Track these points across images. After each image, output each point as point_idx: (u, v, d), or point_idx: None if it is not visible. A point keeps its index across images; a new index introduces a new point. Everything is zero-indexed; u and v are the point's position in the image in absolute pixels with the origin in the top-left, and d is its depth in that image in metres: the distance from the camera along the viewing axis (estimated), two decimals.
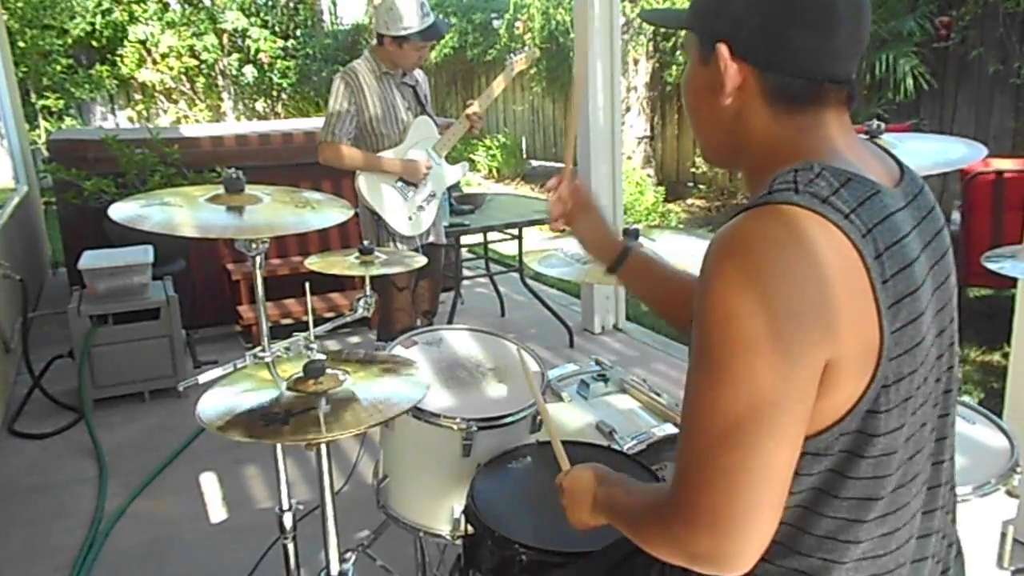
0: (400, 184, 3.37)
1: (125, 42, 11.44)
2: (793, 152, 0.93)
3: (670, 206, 8.40)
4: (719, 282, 0.84)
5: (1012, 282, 2.55)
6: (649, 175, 8.75)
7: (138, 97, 11.87)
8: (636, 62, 8.70)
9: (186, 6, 11.67)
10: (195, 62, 11.74)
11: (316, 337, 1.83)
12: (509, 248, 5.41)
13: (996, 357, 4.15)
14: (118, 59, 11.46)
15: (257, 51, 11.78)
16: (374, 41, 3.38)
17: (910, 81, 6.19)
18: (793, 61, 0.92)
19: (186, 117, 11.94)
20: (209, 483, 3.20)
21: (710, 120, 1.01)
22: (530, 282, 5.13)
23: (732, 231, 0.87)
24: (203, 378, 1.78)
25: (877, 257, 0.85)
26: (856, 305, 0.84)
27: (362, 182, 3.33)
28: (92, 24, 11.17)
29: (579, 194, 1.40)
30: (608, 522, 1.10)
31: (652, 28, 8.40)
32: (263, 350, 1.85)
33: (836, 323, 0.83)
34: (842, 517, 0.90)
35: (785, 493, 0.86)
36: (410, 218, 3.39)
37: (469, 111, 3.40)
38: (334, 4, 12.96)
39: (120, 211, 1.72)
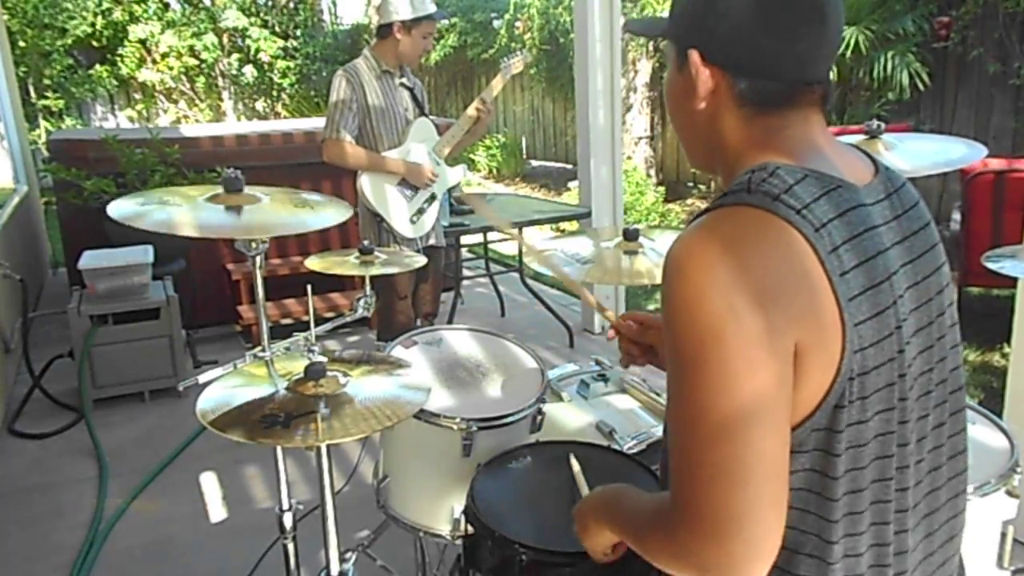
0: (402, 186, 3.37)
1: (125, 42, 11.44)
2: (760, 152, 0.95)
3: (670, 206, 8.40)
4: (682, 285, 0.86)
5: (1012, 282, 2.55)
6: (649, 175, 8.76)
7: (138, 97, 11.87)
8: (636, 62, 8.70)
9: (186, 6, 11.68)
10: (195, 62, 11.75)
11: (316, 337, 1.83)
12: (509, 248, 5.41)
13: (996, 357, 4.15)
14: (118, 59, 11.46)
15: (257, 51, 11.79)
16: (374, 40, 3.39)
17: (908, 81, 6.19)
18: (763, 66, 0.94)
19: (186, 117, 11.95)
20: (209, 483, 3.20)
21: (688, 124, 1.04)
22: (530, 282, 5.14)
23: (688, 235, 0.89)
24: (203, 378, 1.78)
25: (833, 251, 0.87)
26: (815, 296, 0.85)
27: (365, 182, 3.33)
28: (92, 24, 11.18)
29: (636, 328, 1.43)
30: (619, 538, 1.09)
31: None
32: (263, 350, 1.85)
33: (798, 310, 0.84)
34: (826, 516, 0.90)
35: (785, 489, 0.86)
36: (412, 220, 3.39)
37: (475, 106, 3.39)
38: (334, 4, 12.97)
39: (119, 209, 1.72)
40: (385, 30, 3.29)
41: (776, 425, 0.84)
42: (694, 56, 0.96)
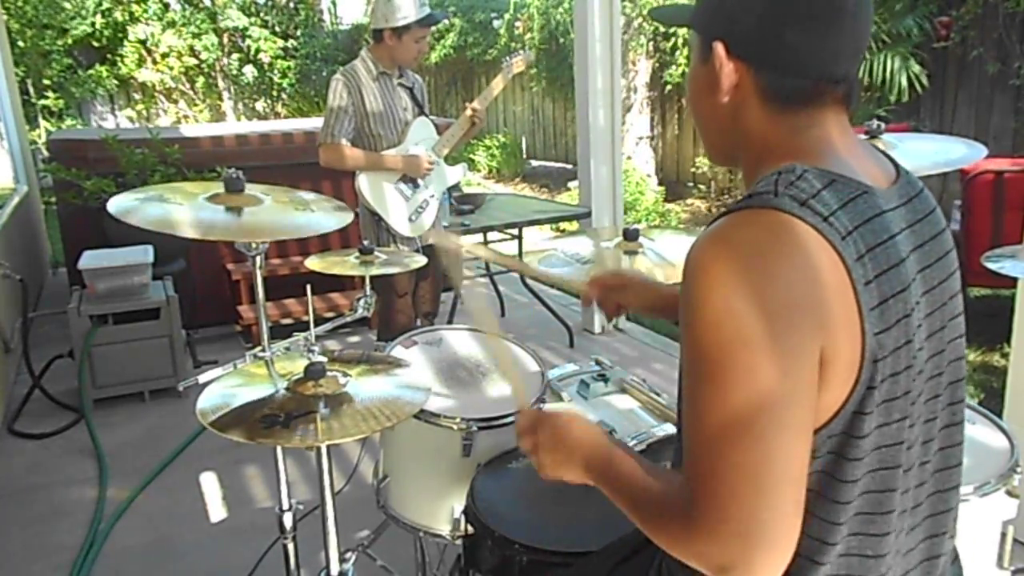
0: (401, 185, 3.37)
1: (125, 42, 11.45)
2: (786, 151, 0.94)
3: (670, 206, 8.40)
4: (706, 286, 0.85)
5: (1012, 282, 2.55)
6: (649, 175, 8.75)
7: (138, 97, 11.88)
8: (636, 62, 8.70)
9: (186, 6, 11.68)
10: (195, 62, 11.75)
11: (316, 337, 1.83)
12: (509, 248, 5.40)
13: (996, 357, 4.15)
14: (118, 59, 11.46)
15: (257, 51, 11.79)
16: (370, 42, 3.39)
17: (908, 82, 6.19)
18: (788, 61, 0.93)
19: (186, 117, 11.95)
20: (209, 483, 3.20)
21: (710, 117, 1.02)
22: (530, 282, 5.14)
23: (713, 235, 0.88)
24: (203, 378, 1.78)
25: (859, 259, 0.86)
26: (839, 304, 0.84)
27: (363, 182, 3.33)
28: (92, 24, 11.18)
29: (610, 283, 1.44)
30: (598, 487, 1.01)
31: (652, 28, 8.41)
32: (263, 350, 1.85)
33: (823, 317, 0.83)
34: (831, 520, 0.89)
35: (803, 492, 0.85)
36: (411, 219, 3.39)
37: (469, 110, 3.40)
38: (334, 4, 12.97)
39: (117, 205, 1.72)
40: (378, 34, 3.30)
41: (800, 432, 0.84)
42: (719, 48, 0.95)
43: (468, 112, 3.39)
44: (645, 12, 8.12)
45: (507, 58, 3.50)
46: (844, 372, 0.85)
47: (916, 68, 6.21)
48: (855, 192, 0.89)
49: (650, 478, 0.96)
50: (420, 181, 3.41)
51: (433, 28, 3.54)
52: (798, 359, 0.82)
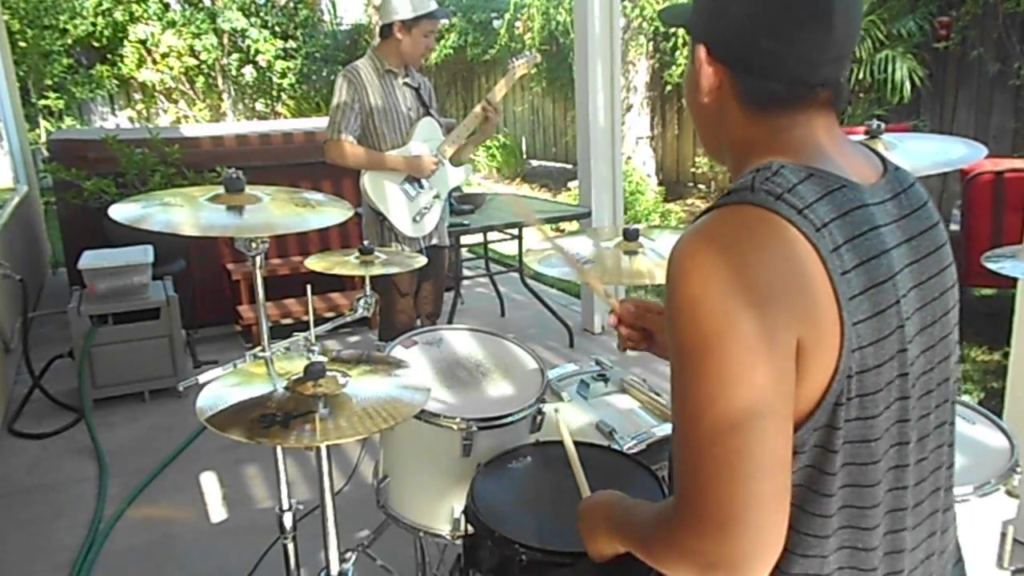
0: (406, 185, 3.37)
1: (125, 42, 11.47)
2: (768, 150, 0.96)
3: (670, 206, 8.40)
4: (683, 281, 0.87)
5: (1012, 282, 2.55)
6: (649, 175, 8.76)
7: (138, 97, 11.89)
8: (636, 62, 8.70)
9: (186, 6, 11.69)
10: (195, 62, 11.76)
11: (316, 337, 1.83)
12: (509, 248, 5.42)
13: (996, 357, 4.15)
14: (118, 59, 11.48)
15: (257, 51, 11.79)
16: (376, 40, 3.40)
17: (908, 82, 6.19)
18: (762, 66, 0.95)
19: (186, 117, 11.96)
20: (209, 483, 3.17)
21: (698, 116, 1.05)
22: (530, 282, 5.14)
23: (691, 232, 0.90)
24: (203, 378, 1.78)
25: (835, 250, 0.87)
26: (814, 295, 0.85)
27: (367, 181, 3.33)
28: (93, 24, 11.19)
29: (633, 312, 1.43)
30: (626, 549, 1.07)
31: (652, 28, 8.42)
32: (263, 350, 1.85)
33: (799, 308, 0.85)
34: (820, 513, 0.90)
35: (788, 484, 0.86)
36: (415, 219, 3.39)
37: (484, 102, 3.40)
38: (334, 4, 12.98)
39: (121, 212, 1.73)
40: (386, 30, 3.30)
41: (778, 421, 0.84)
42: (700, 51, 0.98)
43: (479, 108, 3.38)
44: (645, 12, 8.14)
45: (512, 59, 3.51)
46: (823, 362, 0.86)
47: (916, 67, 6.21)
48: (833, 185, 0.91)
49: (647, 510, 1.01)
50: (424, 182, 3.40)
51: (440, 25, 3.54)
52: (773, 350, 0.83)
